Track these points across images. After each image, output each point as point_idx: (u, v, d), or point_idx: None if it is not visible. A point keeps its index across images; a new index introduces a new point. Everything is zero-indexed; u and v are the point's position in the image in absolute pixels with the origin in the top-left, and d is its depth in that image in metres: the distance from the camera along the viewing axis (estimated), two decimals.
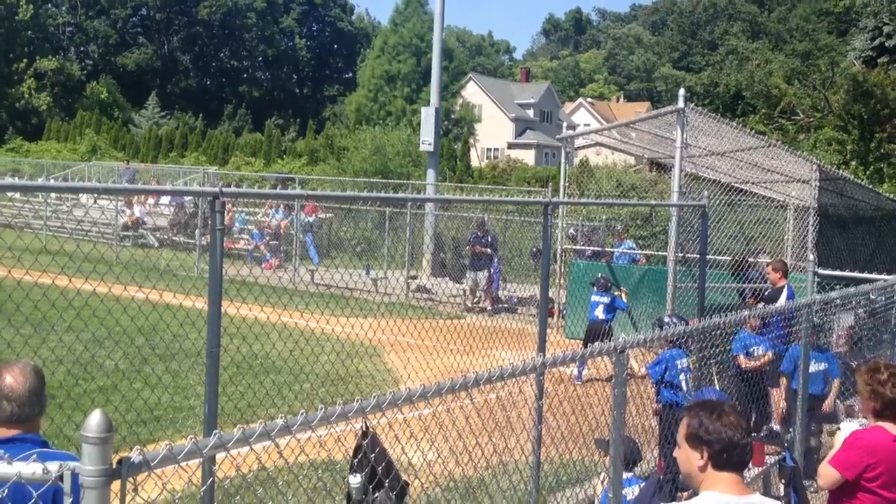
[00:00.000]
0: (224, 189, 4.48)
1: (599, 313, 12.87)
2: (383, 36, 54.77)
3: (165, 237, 27.08)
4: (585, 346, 13.28)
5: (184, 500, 5.16)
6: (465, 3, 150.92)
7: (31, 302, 7.71)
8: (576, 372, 12.51)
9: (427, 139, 23.56)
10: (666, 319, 8.84)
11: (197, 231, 25.10)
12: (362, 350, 11.39)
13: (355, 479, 4.15)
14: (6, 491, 2.06)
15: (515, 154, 55.55)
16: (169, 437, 8.80)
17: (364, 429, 4.15)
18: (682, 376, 8.13)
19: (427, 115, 23.70)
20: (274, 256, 24.12)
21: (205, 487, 4.00)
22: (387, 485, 4.11)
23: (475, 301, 18.75)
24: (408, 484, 4.43)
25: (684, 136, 12.02)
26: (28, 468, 1.94)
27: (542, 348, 7.00)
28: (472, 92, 62.33)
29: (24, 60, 63.54)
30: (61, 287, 8.37)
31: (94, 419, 1.92)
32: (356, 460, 4.27)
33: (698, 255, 10.07)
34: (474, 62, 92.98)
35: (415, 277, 20.55)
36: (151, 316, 8.40)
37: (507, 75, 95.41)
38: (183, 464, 2.02)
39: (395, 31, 52.32)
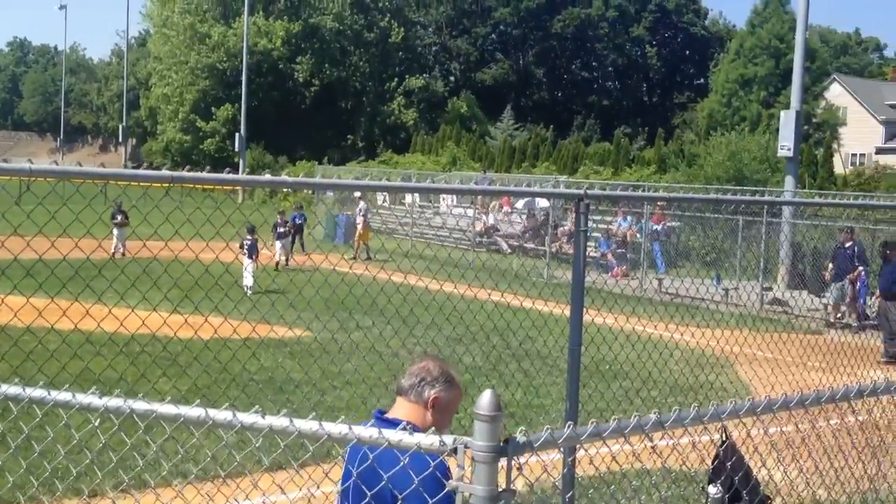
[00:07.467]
0: (588, 191, 4.64)
1: None
2: (739, 38, 52.70)
3: (517, 244, 28.23)
4: None
5: (544, 489, 5.39)
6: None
7: (400, 298, 8.44)
8: None
9: (786, 144, 22.55)
10: None
11: (546, 238, 25.93)
12: (713, 361, 11.07)
13: (714, 490, 4.08)
14: (407, 459, 2.30)
15: (885, 160, 50.80)
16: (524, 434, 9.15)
17: (723, 437, 4.08)
18: None
19: (787, 119, 22.69)
20: (621, 264, 24.25)
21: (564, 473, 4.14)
22: (746, 497, 4.00)
23: (838, 316, 17.48)
24: (769, 498, 4.26)
25: None
26: (427, 439, 2.16)
27: None
28: (837, 94, 57.97)
29: (395, 80, 69.49)
30: (422, 287, 9.08)
31: (486, 398, 2.10)
32: (713, 469, 4.20)
33: None
34: (839, 62, 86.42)
35: (769, 289, 19.67)
36: (505, 317, 8.82)
37: (877, 75, 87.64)
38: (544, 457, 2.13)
39: (753, 32, 50.12)
